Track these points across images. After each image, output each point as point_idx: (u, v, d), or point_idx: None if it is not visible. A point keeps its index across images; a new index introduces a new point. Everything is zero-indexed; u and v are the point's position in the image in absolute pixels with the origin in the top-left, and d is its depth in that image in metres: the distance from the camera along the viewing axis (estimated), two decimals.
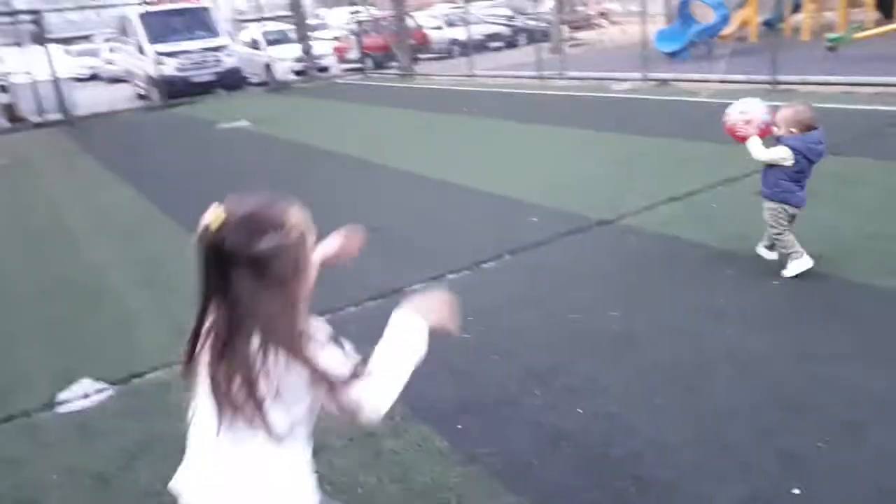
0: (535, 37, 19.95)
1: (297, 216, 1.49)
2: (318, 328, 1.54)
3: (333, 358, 1.46)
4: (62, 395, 3.42)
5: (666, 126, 8.24)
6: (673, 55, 14.32)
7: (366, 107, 13.48)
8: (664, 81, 11.74)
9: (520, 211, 5.58)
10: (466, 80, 16.12)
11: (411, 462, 2.61)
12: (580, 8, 28.03)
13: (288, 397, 1.40)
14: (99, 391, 3.42)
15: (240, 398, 1.37)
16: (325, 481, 2.22)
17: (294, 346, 1.40)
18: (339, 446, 2.69)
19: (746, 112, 3.69)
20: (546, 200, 5.74)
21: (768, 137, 3.72)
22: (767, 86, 9.50)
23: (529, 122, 9.67)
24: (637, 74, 12.20)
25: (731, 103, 3.83)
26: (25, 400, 3.42)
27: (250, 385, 1.37)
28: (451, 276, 4.42)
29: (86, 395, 3.40)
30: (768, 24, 14.05)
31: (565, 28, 19.52)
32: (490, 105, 11.75)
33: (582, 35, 24.50)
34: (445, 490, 2.44)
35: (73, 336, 4.13)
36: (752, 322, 3.38)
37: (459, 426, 2.77)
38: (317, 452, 1.55)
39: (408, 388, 2.77)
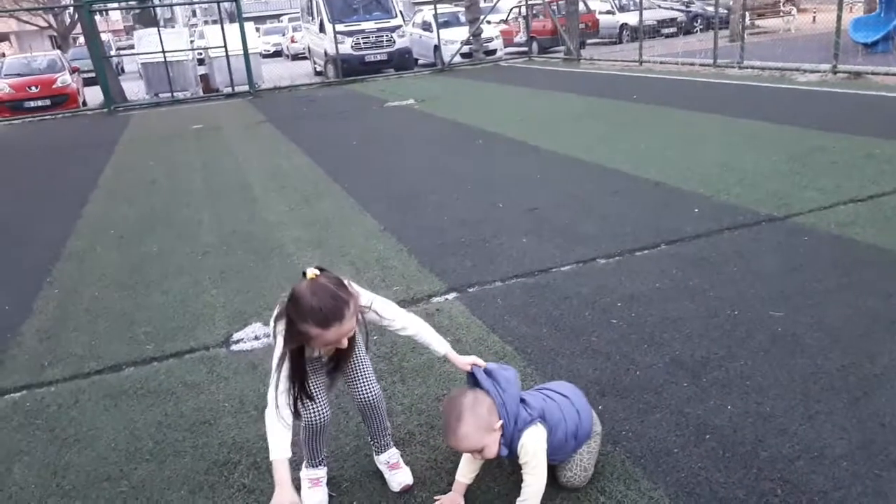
0: (712, 23, 18.86)
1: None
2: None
3: None
4: (236, 335, 3.79)
5: (855, 122, 7.54)
6: (870, 46, 13.00)
7: (529, 90, 13.46)
8: (857, 74, 10.70)
9: (681, 201, 5.38)
10: (635, 65, 15.61)
11: None
12: None
13: None
14: (267, 335, 3.76)
15: None
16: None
17: None
18: None
19: None
20: (710, 192, 5.48)
21: None
22: None
23: (700, 110, 9.22)
24: (826, 66, 11.21)
25: None
26: (205, 336, 3.83)
27: None
28: (601, 261, 4.36)
29: (256, 338, 3.75)
30: None
31: (747, 15, 18.26)
32: (658, 92, 11.32)
33: (765, 23, 22.83)
34: None
35: (247, 284, 4.54)
36: None
37: (600, 407, 2.75)
38: None
39: (546, 367, 2.83)
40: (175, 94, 17.61)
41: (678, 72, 13.88)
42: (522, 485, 2.21)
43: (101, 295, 4.63)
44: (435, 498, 2.35)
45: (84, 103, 18.84)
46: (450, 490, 2.35)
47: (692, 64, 14.37)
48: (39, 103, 17.42)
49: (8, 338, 4.04)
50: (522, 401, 2.24)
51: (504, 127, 9.36)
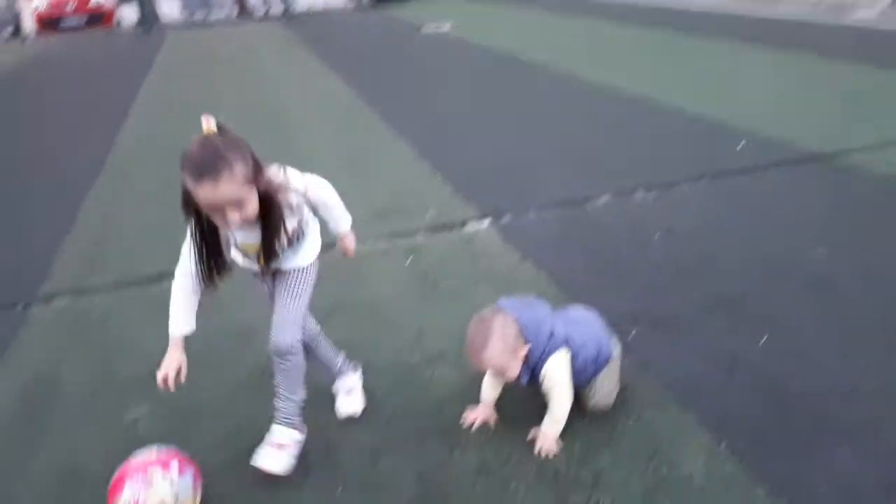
0: None
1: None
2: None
3: None
4: None
5: None
6: None
7: (569, 16, 13.03)
8: None
9: (726, 134, 5.23)
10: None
11: None
12: None
13: None
14: None
15: None
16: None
17: None
18: None
19: None
20: (757, 127, 5.31)
21: None
22: None
23: (751, 43, 8.86)
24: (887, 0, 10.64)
25: None
26: None
27: None
28: (639, 194, 4.30)
29: None
30: None
31: None
32: (706, 24, 10.87)
33: None
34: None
35: None
36: None
37: (633, 335, 2.76)
38: None
39: (578, 296, 2.78)
40: (209, 16, 17.41)
41: (727, 7, 13.28)
42: (549, 407, 2.24)
43: (142, 209, 4.71)
44: (465, 413, 2.40)
45: (119, 23, 18.76)
46: (478, 404, 2.40)
47: None
48: (76, 21, 17.40)
49: (54, 247, 4.16)
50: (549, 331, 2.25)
51: (542, 54, 9.12)
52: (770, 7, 12.34)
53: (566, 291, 3.16)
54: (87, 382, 2.80)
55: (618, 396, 2.37)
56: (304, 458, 2.26)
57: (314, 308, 2.39)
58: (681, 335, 2.78)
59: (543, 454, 2.18)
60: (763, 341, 2.69)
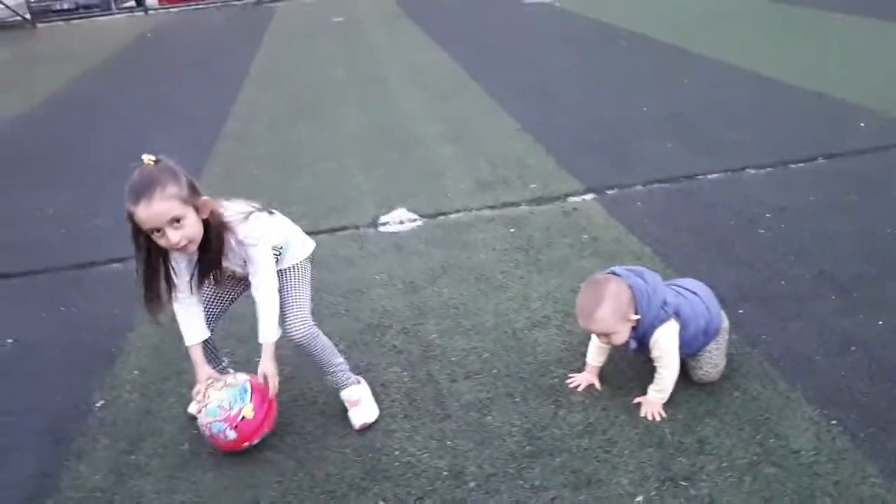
0: None
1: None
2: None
3: None
4: (383, 218, 4.03)
5: None
6: None
7: None
8: None
9: (845, 114, 5.00)
10: None
11: None
12: None
13: None
14: (412, 220, 3.97)
15: None
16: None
17: None
18: None
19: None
20: (881, 106, 5.04)
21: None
22: None
23: (875, 16, 8.31)
24: None
25: None
26: (355, 217, 4.09)
27: None
28: (750, 171, 4.20)
29: (401, 222, 3.97)
30: None
31: None
32: None
33: None
34: None
35: (391, 173, 4.75)
36: None
37: (741, 311, 2.75)
38: None
39: (685, 271, 2.76)
40: None
41: None
42: (656, 376, 2.30)
43: (258, 173, 5.00)
44: (569, 376, 2.49)
45: None
46: (583, 370, 2.48)
47: None
48: None
49: None
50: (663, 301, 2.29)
51: (650, 27, 8.88)
52: None
53: (672, 266, 3.17)
54: None
55: (724, 369, 2.39)
56: (416, 408, 2.42)
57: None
58: (790, 314, 2.75)
59: (649, 418, 2.25)
60: (879, 322, 2.63)
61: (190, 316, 2.26)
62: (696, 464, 2.06)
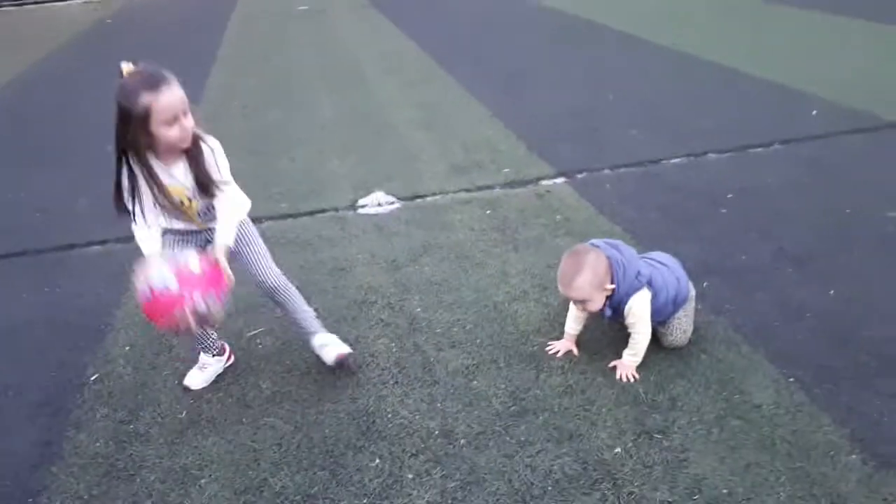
0: None
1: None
2: None
3: None
4: (361, 201, 4.13)
5: None
6: None
7: None
8: None
9: (799, 101, 5.26)
10: None
11: None
12: None
13: None
14: (390, 203, 4.08)
15: None
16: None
17: None
18: None
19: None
20: (831, 94, 5.32)
21: None
22: None
23: (833, 12, 8.65)
24: None
25: None
26: (334, 199, 4.18)
27: None
28: (712, 156, 4.41)
29: (379, 204, 4.07)
30: None
31: None
32: None
33: None
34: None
35: (367, 158, 4.84)
36: None
37: (706, 284, 2.94)
38: None
39: (653, 248, 2.91)
40: None
41: None
42: (630, 340, 2.47)
43: (233, 158, 5.02)
44: (549, 343, 2.65)
45: None
46: (562, 339, 2.64)
47: None
48: None
49: None
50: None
51: (618, 19, 9.10)
52: None
53: (641, 243, 3.34)
54: None
55: (691, 335, 2.58)
56: (406, 375, 2.55)
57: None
58: (751, 285, 2.95)
59: (624, 380, 2.42)
60: (832, 292, 2.84)
61: (147, 236, 2.19)
62: (669, 419, 2.23)
